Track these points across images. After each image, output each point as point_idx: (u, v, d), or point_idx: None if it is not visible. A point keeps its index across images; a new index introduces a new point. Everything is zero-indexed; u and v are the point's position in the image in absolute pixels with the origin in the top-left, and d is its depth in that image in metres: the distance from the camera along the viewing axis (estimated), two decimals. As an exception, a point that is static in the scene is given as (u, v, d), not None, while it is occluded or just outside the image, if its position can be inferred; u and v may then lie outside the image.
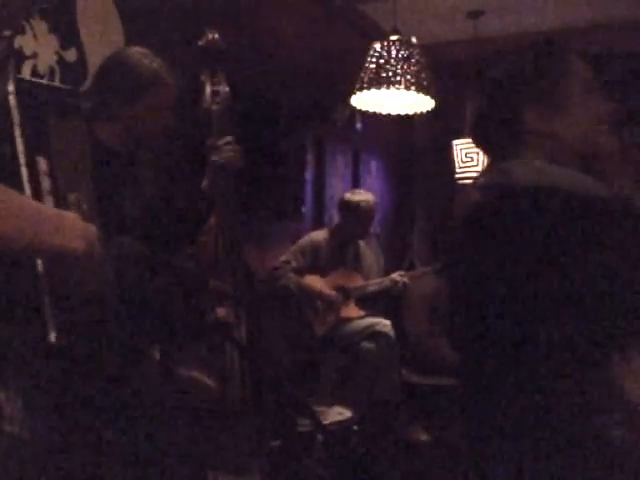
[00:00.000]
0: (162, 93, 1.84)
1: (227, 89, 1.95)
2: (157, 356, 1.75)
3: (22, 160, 1.07)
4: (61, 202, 1.12)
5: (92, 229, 1.07)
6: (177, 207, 1.96)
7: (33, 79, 1.14)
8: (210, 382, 1.79)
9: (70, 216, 1.07)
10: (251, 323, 1.90)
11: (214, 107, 1.93)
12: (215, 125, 1.94)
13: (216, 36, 1.92)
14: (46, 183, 1.10)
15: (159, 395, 1.70)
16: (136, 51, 1.89)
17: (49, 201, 1.10)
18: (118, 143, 1.86)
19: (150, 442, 1.64)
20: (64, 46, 2.48)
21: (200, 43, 1.94)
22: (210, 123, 1.94)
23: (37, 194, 1.08)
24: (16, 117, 1.07)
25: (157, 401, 1.68)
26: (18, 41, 2.30)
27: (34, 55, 2.36)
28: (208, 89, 1.94)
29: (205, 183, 1.98)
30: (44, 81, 1.15)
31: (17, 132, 1.07)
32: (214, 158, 1.94)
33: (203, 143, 1.97)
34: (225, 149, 1.94)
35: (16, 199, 0.97)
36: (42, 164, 1.10)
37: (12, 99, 1.07)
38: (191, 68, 1.99)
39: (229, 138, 1.96)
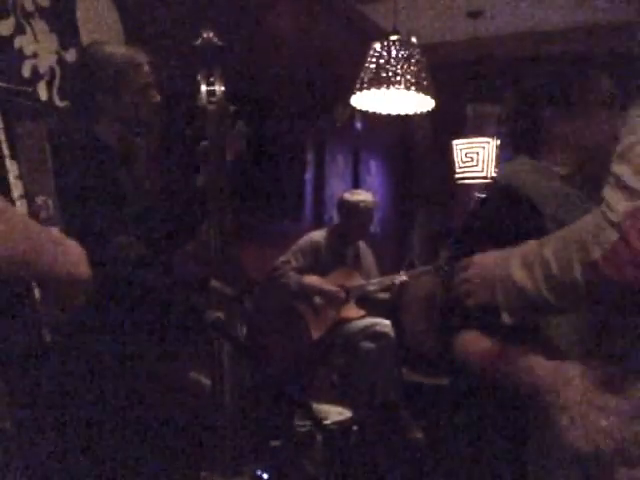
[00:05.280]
0: (139, 73, 1.94)
1: (223, 88, 1.95)
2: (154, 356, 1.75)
3: (9, 166, 1.07)
4: (32, 206, 1.11)
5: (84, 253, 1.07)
6: (174, 206, 1.96)
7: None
8: (205, 381, 1.79)
9: (72, 243, 1.07)
10: (250, 323, 1.89)
11: (210, 107, 1.93)
12: (210, 125, 1.94)
13: (211, 35, 1.93)
14: (19, 187, 1.09)
15: (155, 394, 1.70)
16: (100, 44, 1.99)
17: (23, 205, 1.09)
18: (118, 139, 1.91)
19: (142, 441, 1.64)
20: (64, 46, 2.48)
21: (196, 43, 1.95)
22: (205, 123, 1.94)
23: (12, 199, 1.07)
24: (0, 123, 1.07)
25: (151, 400, 1.68)
26: (18, 41, 2.30)
27: (34, 55, 2.36)
28: (204, 88, 1.95)
29: (200, 181, 1.97)
30: (3, 84, 1.14)
31: (2, 137, 1.07)
32: (206, 157, 1.93)
33: (198, 143, 1.96)
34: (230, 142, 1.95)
35: (20, 223, 0.95)
36: (14, 168, 1.09)
37: None
38: (190, 68, 1.99)
39: (240, 126, 1.97)
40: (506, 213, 1.41)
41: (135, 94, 1.92)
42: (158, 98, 1.98)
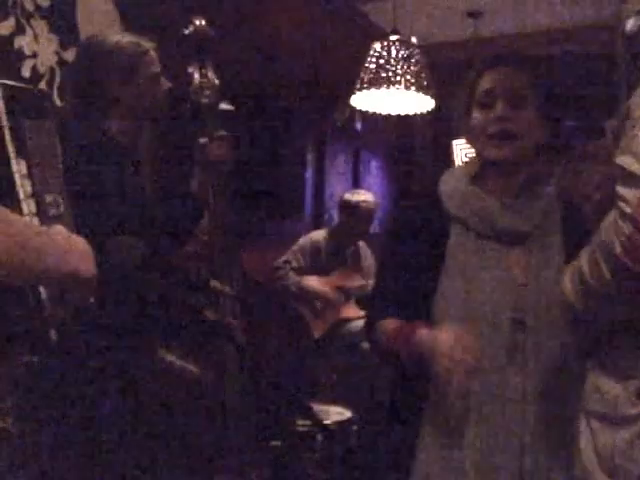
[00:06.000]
0: (150, 60, 1.84)
1: (217, 81, 1.88)
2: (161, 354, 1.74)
3: (15, 165, 1.06)
4: (41, 204, 1.11)
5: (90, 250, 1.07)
6: (172, 206, 1.94)
7: (1, 80, 1.11)
8: (196, 370, 1.77)
9: (78, 239, 1.07)
10: (250, 323, 1.89)
11: (203, 100, 1.86)
12: (205, 119, 1.87)
13: (203, 23, 1.84)
14: (27, 186, 1.09)
15: (157, 389, 1.70)
16: (101, 35, 1.87)
17: (31, 204, 1.09)
18: (127, 133, 1.85)
19: (149, 441, 1.63)
20: (64, 46, 2.48)
21: (186, 32, 1.85)
22: (199, 117, 1.87)
23: (18, 198, 1.07)
24: (4, 121, 1.06)
25: (156, 399, 1.67)
26: (18, 41, 2.30)
27: (34, 55, 2.36)
28: (197, 81, 1.87)
29: (194, 183, 1.93)
30: (11, 82, 1.13)
31: (7, 136, 1.06)
32: (203, 157, 1.88)
33: (193, 139, 1.90)
34: (214, 147, 1.87)
35: (19, 227, 0.96)
36: (22, 167, 1.09)
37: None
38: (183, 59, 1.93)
39: (222, 133, 1.89)
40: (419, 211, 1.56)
41: (147, 82, 1.82)
42: (168, 85, 1.88)
